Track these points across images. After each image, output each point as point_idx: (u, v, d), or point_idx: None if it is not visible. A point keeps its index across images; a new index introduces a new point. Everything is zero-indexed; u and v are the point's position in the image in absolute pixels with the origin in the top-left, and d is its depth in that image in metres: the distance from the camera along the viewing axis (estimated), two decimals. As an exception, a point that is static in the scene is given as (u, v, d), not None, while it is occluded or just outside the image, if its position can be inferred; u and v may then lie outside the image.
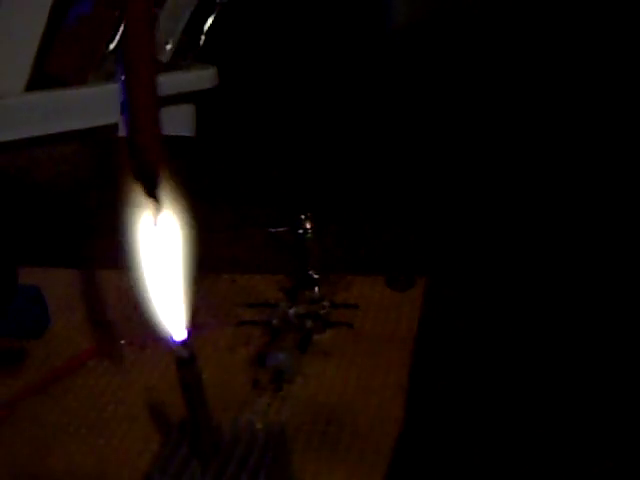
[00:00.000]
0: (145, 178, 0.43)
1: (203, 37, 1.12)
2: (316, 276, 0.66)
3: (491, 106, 1.02)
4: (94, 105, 1.09)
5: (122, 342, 0.64)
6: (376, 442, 0.52)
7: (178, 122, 1.14)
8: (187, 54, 1.13)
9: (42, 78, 1.09)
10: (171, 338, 0.43)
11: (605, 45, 1.11)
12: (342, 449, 0.52)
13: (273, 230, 0.68)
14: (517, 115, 0.98)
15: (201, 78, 1.15)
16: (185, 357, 0.43)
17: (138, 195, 0.42)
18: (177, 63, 1.13)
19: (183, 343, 0.42)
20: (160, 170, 0.42)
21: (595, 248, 0.71)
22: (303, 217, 0.65)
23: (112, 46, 1.09)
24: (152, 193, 0.42)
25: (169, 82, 1.12)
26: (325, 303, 0.65)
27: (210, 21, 1.12)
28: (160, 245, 0.43)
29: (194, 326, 0.60)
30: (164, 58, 1.11)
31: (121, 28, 1.09)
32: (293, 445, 0.51)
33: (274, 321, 0.63)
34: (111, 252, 0.73)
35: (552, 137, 0.92)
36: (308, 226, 0.65)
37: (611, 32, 1.12)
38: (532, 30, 1.17)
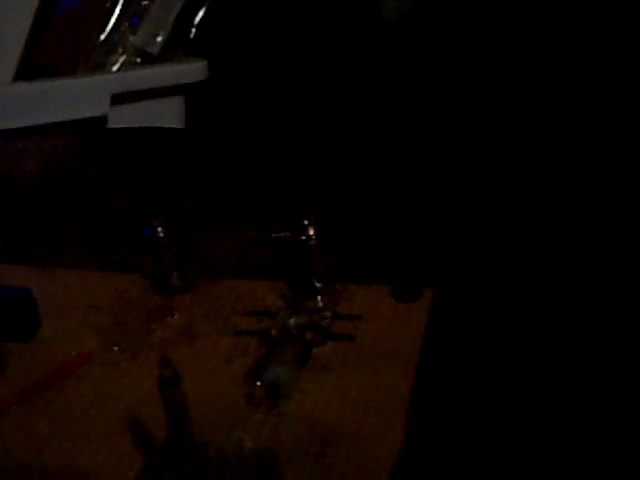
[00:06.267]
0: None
1: (194, 30, 1.11)
2: (318, 285, 0.64)
3: (488, 104, 0.99)
4: (83, 96, 1.08)
5: (115, 349, 0.61)
6: (374, 466, 0.49)
7: (168, 115, 1.13)
8: (177, 47, 1.12)
9: (31, 68, 1.08)
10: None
11: (605, 45, 1.08)
12: (338, 473, 0.49)
13: (274, 235, 0.65)
14: (515, 114, 0.96)
15: (191, 71, 1.14)
16: (168, 377, 0.40)
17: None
18: (167, 55, 1.12)
19: (166, 362, 0.40)
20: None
21: (603, 260, 0.69)
22: (306, 223, 0.62)
23: (103, 37, 1.08)
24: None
25: (159, 74, 1.11)
26: (327, 313, 0.62)
27: (201, 14, 1.10)
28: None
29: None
30: (154, 50, 1.10)
31: (112, 19, 1.07)
32: (285, 468, 0.48)
33: (273, 331, 0.60)
34: (106, 252, 0.71)
35: (552, 142, 0.90)
36: (311, 232, 0.62)
37: (611, 32, 1.10)
38: (525, 25, 1.15)
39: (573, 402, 0.54)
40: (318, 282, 0.64)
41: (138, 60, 1.12)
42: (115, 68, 1.11)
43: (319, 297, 0.64)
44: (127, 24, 1.10)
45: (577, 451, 0.49)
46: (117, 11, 1.09)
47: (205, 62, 1.16)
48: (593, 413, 0.52)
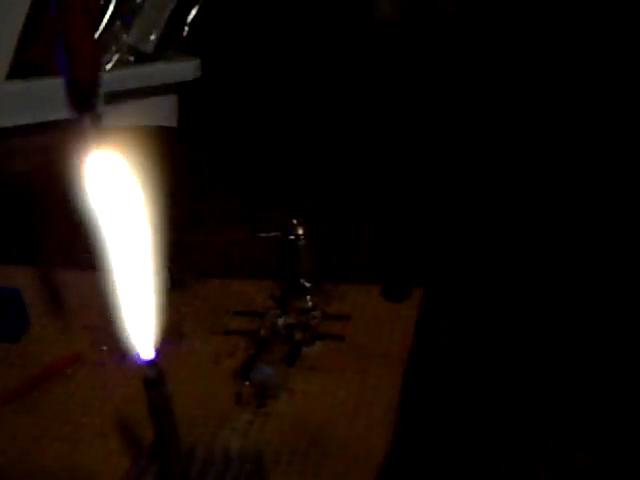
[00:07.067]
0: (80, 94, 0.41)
1: (187, 28, 1.10)
2: (308, 284, 0.64)
3: (482, 101, 0.99)
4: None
5: (104, 348, 0.61)
6: (362, 466, 0.49)
7: (161, 113, 1.12)
8: (171, 45, 1.12)
9: (24, 67, 1.07)
10: (138, 357, 0.40)
11: (605, 45, 1.08)
12: (325, 473, 0.49)
13: (264, 235, 0.65)
14: (506, 112, 0.96)
15: (184, 69, 1.13)
16: (153, 378, 0.40)
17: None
18: (160, 54, 1.11)
19: (151, 363, 0.40)
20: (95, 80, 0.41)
21: (594, 257, 0.69)
22: (295, 222, 0.62)
23: (96, 35, 1.07)
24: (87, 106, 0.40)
25: (152, 73, 1.10)
26: (316, 313, 0.62)
27: (194, 13, 1.10)
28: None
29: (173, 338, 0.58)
30: (148, 49, 1.10)
31: (106, 18, 1.07)
32: (272, 468, 0.48)
33: (262, 331, 0.60)
34: (95, 252, 0.71)
35: (543, 141, 0.90)
36: (300, 232, 0.62)
37: (611, 32, 1.10)
38: (519, 22, 1.15)
39: (564, 402, 0.54)
40: (307, 282, 0.64)
41: (131, 58, 1.12)
42: (109, 67, 1.11)
43: (308, 297, 0.64)
44: (120, 23, 1.10)
45: (569, 451, 0.49)
46: (110, 10, 1.09)
47: (198, 60, 1.16)
48: (585, 413, 0.52)
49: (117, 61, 1.11)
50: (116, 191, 0.39)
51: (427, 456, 0.50)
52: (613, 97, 1.02)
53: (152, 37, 1.10)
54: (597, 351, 0.58)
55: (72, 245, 0.73)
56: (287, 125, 1.03)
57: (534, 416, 0.52)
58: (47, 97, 1.07)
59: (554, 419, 0.52)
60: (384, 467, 0.49)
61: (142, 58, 1.10)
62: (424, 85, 1.10)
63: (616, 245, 0.71)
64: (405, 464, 0.49)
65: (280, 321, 0.61)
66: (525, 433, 0.51)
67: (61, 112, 1.07)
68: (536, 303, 0.64)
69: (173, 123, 1.13)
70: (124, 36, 1.10)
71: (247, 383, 0.55)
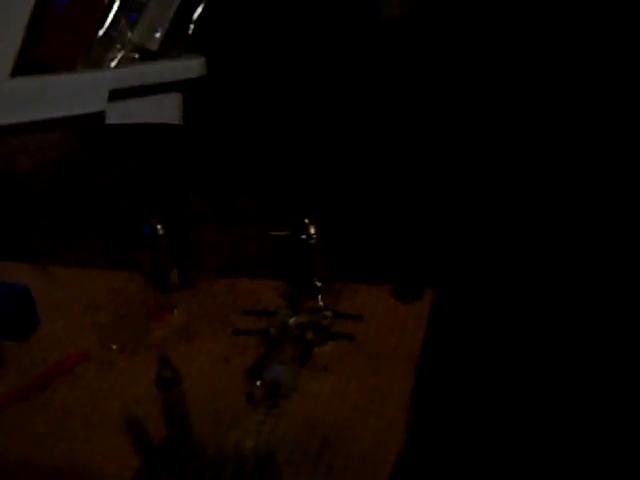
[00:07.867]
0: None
1: (192, 26, 1.10)
2: (319, 284, 0.63)
3: (488, 105, 0.99)
4: (81, 92, 1.07)
5: (113, 347, 0.61)
6: (374, 467, 0.49)
7: (166, 110, 1.12)
8: (176, 43, 1.12)
9: (29, 64, 1.07)
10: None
11: (605, 45, 1.08)
12: (337, 474, 0.49)
13: (275, 234, 0.65)
14: (514, 115, 0.95)
15: (189, 67, 1.13)
16: (167, 377, 0.39)
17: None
18: (166, 52, 1.11)
19: (164, 363, 0.39)
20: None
21: (601, 259, 0.68)
22: (307, 221, 0.62)
23: (101, 32, 1.07)
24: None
25: (157, 70, 1.10)
26: (327, 313, 0.62)
27: (199, 10, 1.10)
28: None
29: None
30: (153, 46, 1.10)
31: (111, 15, 1.06)
32: (284, 468, 0.48)
33: (272, 330, 0.60)
34: (103, 250, 0.71)
35: (550, 143, 0.90)
36: (312, 231, 0.62)
37: (611, 32, 1.09)
38: (525, 21, 1.15)
39: (572, 402, 0.53)
40: (318, 281, 0.63)
41: (136, 56, 1.12)
42: (113, 64, 1.10)
43: (319, 296, 0.63)
44: (125, 20, 1.09)
45: (577, 451, 0.49)
46: (115, 7, 1.08)
47: (203, 58, 1.15)
48: (593, 413, 0.52)
49: (122, 59, 1.10)
50: None
51: (439, 456, 0.50)
52: (614, 97, 1.02)
53: (157, 35, 1.10)
54: (607, 353, 0.58)
55: (79, 242, 0.73)
56: (294, 124, 1.02)
57: (545, 417, 0.52)
58: (53, 94, 1.07)
59: (565, 421, 0.52)
60: (397, 467, 0.49)
61: (147, 56, 1.10)
62: (433, 84, 1.09)
63: (622, 244, 0.71)
64: (417, 464, 0.49)
65: (291, 320, 0.60)
66: (536, 434, 0.51)
67: (65, 109, 1.08)
68: (547, 305, 0.64)
69: (178, 121, 1.13)
70: (129, 34, 1.10)
71: (259, 383, 0.55)
